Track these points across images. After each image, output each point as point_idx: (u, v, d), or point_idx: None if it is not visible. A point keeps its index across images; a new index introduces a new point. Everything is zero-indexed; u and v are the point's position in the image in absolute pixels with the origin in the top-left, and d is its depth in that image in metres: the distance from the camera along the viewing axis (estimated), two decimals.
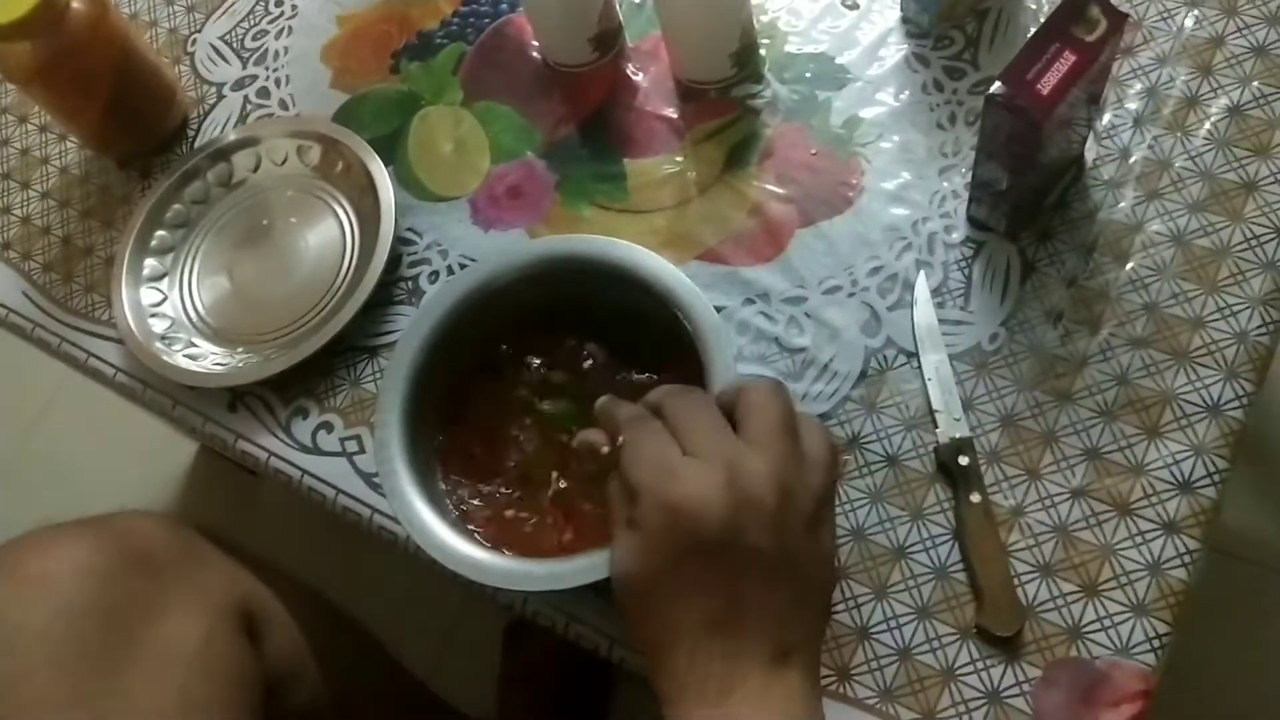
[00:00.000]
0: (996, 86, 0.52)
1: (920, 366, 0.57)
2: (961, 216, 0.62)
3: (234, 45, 0.80)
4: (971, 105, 0.65)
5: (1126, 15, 0.52)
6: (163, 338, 0.67)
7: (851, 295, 0.61)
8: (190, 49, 0.80)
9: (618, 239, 0.58)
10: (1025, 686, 0.49)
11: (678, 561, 0.40)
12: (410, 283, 0.67)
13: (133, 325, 0.67)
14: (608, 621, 0.54)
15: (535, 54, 0.74)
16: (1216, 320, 0.55)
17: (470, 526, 0.54)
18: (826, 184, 0.65)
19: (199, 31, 0.81)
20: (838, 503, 0.55)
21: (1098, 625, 0.49)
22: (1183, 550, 0.50)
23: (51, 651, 0.49)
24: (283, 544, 0.80)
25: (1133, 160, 0.61)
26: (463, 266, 0.67)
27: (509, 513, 0.55)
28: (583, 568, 0.48)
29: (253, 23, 0.81)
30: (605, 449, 0.45)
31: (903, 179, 0.64)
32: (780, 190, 0.65)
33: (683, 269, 0.61)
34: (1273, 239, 0.56)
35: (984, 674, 0.49)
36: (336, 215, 0.70)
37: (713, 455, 0.41)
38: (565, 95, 0.72)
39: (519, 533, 0.54)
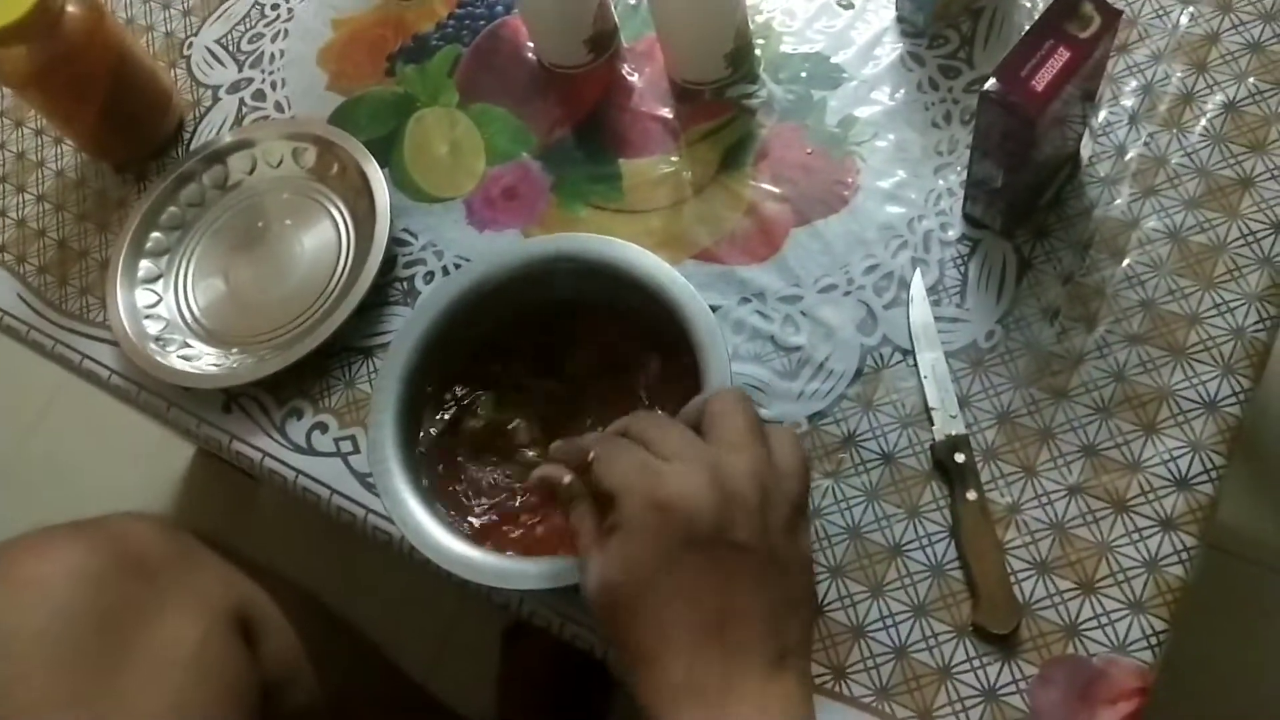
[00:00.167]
0: (991, 83, 0.52)
1: (916, 364, 0.57)
2: (957, 214, 0.61)
3: (230, 48, 0.80)
4: (967, 104, 0.65)
5: (1120, 11, 0.52)
6: (157, 339, 0.67)
7: (847, 294, 0.60)
8: (186, 52, 0.81)
9: (613, 238, 0.58)
10: (1022, 684, 0.48)
11: (670, 560, 0.39)
12: (405, 284, 0.67)
13: (127, 327, 0.67)
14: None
15: (530, 56, 0.74)
16: (1213, 316, 0.55)
17: (464, 526, 0.54)
18: (822, 183, 0.65)
19: (195, 35, 0.81)
20: (834, 501, 0.54)
21: (1095, 623, 0.49)
22: (1180, 547, 0.49)
23: (46, 655, 0.49)
24: (280, 547, 0.80)
25: (1128, 157, 0.61)
26: (458, 267, 0.67)
27: (503, 512, 0.55)
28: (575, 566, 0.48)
29: (248, 26, 0.81)
30: (566, 479, 0.44)
31: (898, 177, 0.64)
32: (775, 190, 0.65)
33: (678, 269, 0.61)
34: (1269, 235, 0.56)
35: (980, 672, 0.49)
36: (332, 217, 0.70)
37: (691, 455, 0.41)
38: (560, 97, 0.72)
39: (513, 532, 0.54)
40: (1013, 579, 0.50)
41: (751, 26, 0.70)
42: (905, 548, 0.53)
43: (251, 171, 0.73)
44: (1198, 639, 0.54)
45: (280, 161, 0.73)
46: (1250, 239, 0.56)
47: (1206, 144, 0.60)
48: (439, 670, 0.91)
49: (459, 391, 0.58)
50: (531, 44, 0.74)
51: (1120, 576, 0.50)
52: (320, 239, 0.69)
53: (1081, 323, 0.56)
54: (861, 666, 0.50)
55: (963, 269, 0.60)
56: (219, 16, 0.81)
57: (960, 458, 0.53)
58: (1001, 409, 0.55)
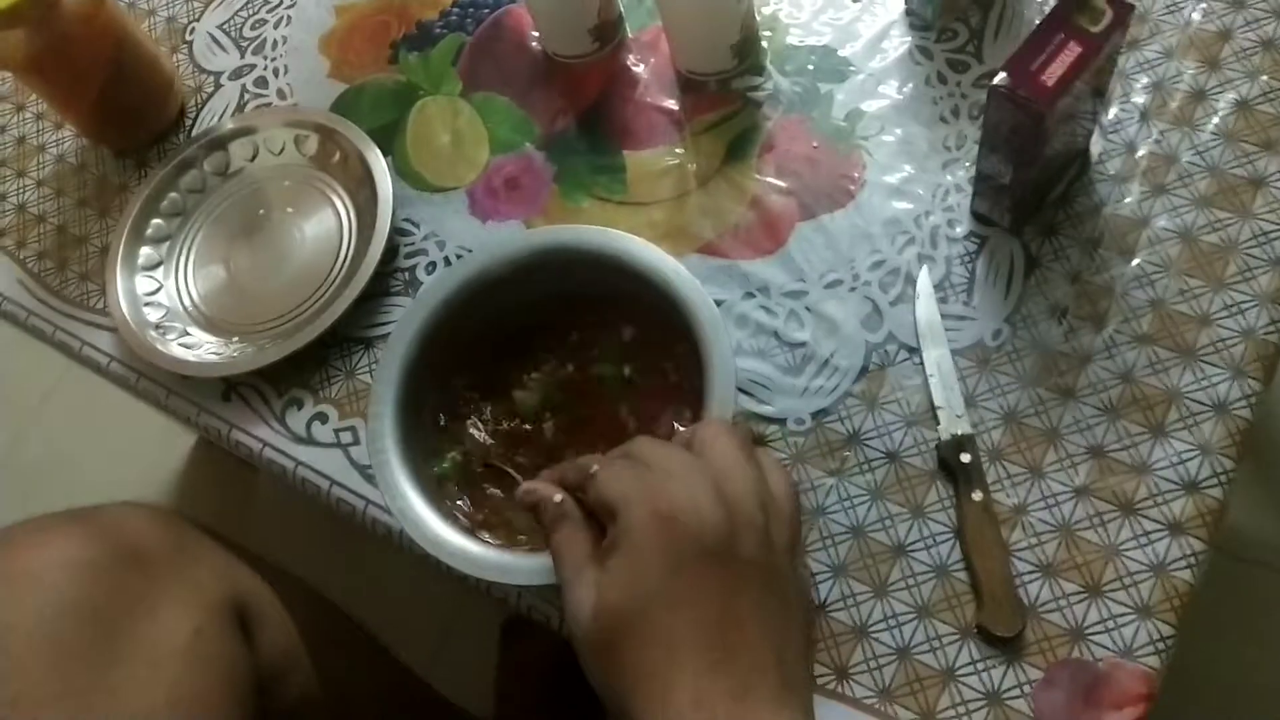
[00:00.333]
0: (999, 77, 0.52)
1: (922, 362, 0.56)
2: (965, 211, 0.61)
3: (232, 34, 0.79)
4: (975, 99, 0.64)
5: (1132, 6, 0.51)
6: (157, 326, 0.66)
7: (853, 290, 0.60)
8: (189, 38, 0.80)
9: (616, 230, 0.57)
10: (1026, 688, 0.48)
11: (676, 572, 0.38)
12: (407, 274, 0.66)
13: (127, 314, 0.66)
14: None
15: (535, 45, 0.73)
16: (1224, 317, 0.54)
17: (464, 519, 0.53)
18: (827, 177, 0.64)
19: (197, 20, 0.80)
20: (837, 499, 0.54)
21: (1100, 627, 0.48)
22: (1188, 551, 0.49)
23: (40, 648, 0.48)
24: (279, 538, 0.80)
25: (1139, 155, 0.60)
26: (460, 258, 0.66)
27: (503, 505, 0.54)
28: None
29: (251, 12, 0.80)
30: (558, 497, 0.43)
31: (905, 173, 0.63)
32: (781, 183, 0.64)
33: (681, 262, 0.61)
34: None
35: (984, 675, 0.48)
36: (333, 205, 0.69)
37: (693, 471, 0.40)
38: (564, 87, 0.72)
39: (513, 526, 0.53)
40: (1018, 581, 0.50)
41: (758, 18, 0.69)
42: (909, 548, 0.52)
43: (253, 159, 0.72)
44: (1203, 643, 0.54)
45: (282, 149, 0.72)
46: (1262, 239, 0.55)
47: (1218, 142, 0.59)
48: (438, 662, 0.91)
49: (459, 383, 0.57)
50: (536, 33, 0.73)
51: (1127, 580, 0.49)
52: (321, 228, 0.69)
53: (1090, 322, 0.56)
54: (864, 667, 0.50)
55: (970, 266, 0.59)
56: (221, 2, 0.81)
57: (966, 457, 0.53)
58: (1008, 409, 0.54)
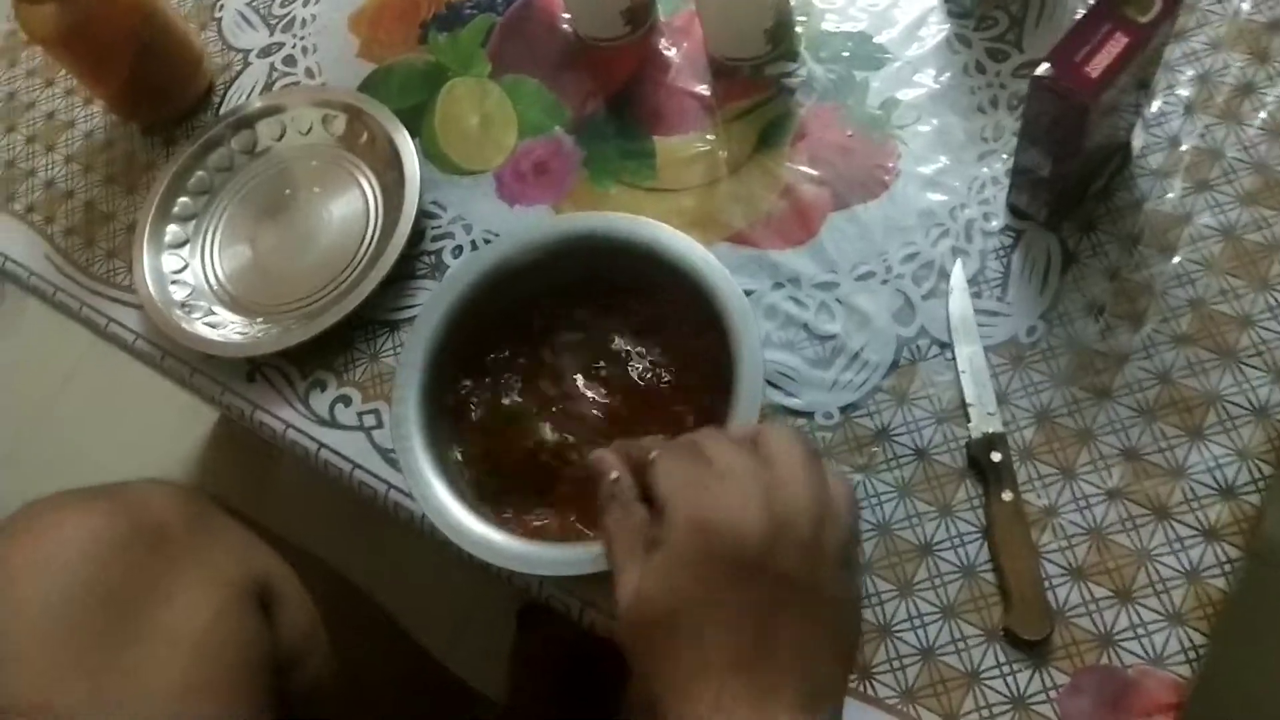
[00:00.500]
0: (1043, 68, 0.50)
1: (954, 358, 0.55)
2: (1001, 204, 0.59)
3: (261, 12, 0.79)
4: (1014, 89, 0.63)
5: None
6: (182, 305, 0.66)
7: (885, 282, 0.59)
8: (218, 14, 0.79)
9: (646, 218, 0.56)
10: (1052, 693, 0.47)
11: (710, 583, 0.38)
12: (433, 257, 0.66)
13: (153, 292, 0.66)
14: None
15: (565, 27, 0.72)
16: (1266, 319, 0.53)
17: (486, 506, 0.53)
18: (861, 167, 0.63)
19: None
20: (864, 496, 0.53)
21: (1130, 633, 0.47)
22: (1223, 559, 0.48)
23: (58, 626, 0.48)
24: (300, 518, 0.80)
25: (1182, 149, 0.58)
26: (487, 242, 0.65)
27: (527, 493, 0.54)
28: (600, 554, 0.47)
29: None
30: (615, 474, 0.43)
31: (940, 164, 0.62)
32: (813, 172, 0.63)
33: (710, 251, 0.60)
34: None
35: (1010, 678, 0.48)
36: (360, 187, 0.69)
37: (748, 476, 0.39)
38: (595, 70, 0.71)
39: (536, 513, 0.53)
40: (1047, 584, 0.49)
41: (793, 2, 0.68)
42: (936, 547, 0.51)
43: (280, 138, 0.72)
44: (1236, 653, 0.52)
45: (310, 129, 0.71)
46: None
47: (1265, 138, 0.57)
48: (455, 646, 0.91)
49: (484, 368, 0.57)
50: (567, 15, 0.72)
51: (1159, 586, 0.48)
52: (348, 208, 0.68)
53: (1127, 321, 0.55)
54: (887, 667, 0.49)
55: (1005, 261, 0.58)
56: None
57: (997, 456, 0.52)
58: (1041, 407, 0.53)
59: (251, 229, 0.69)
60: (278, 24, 0.78)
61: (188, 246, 0.69)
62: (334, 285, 0.65)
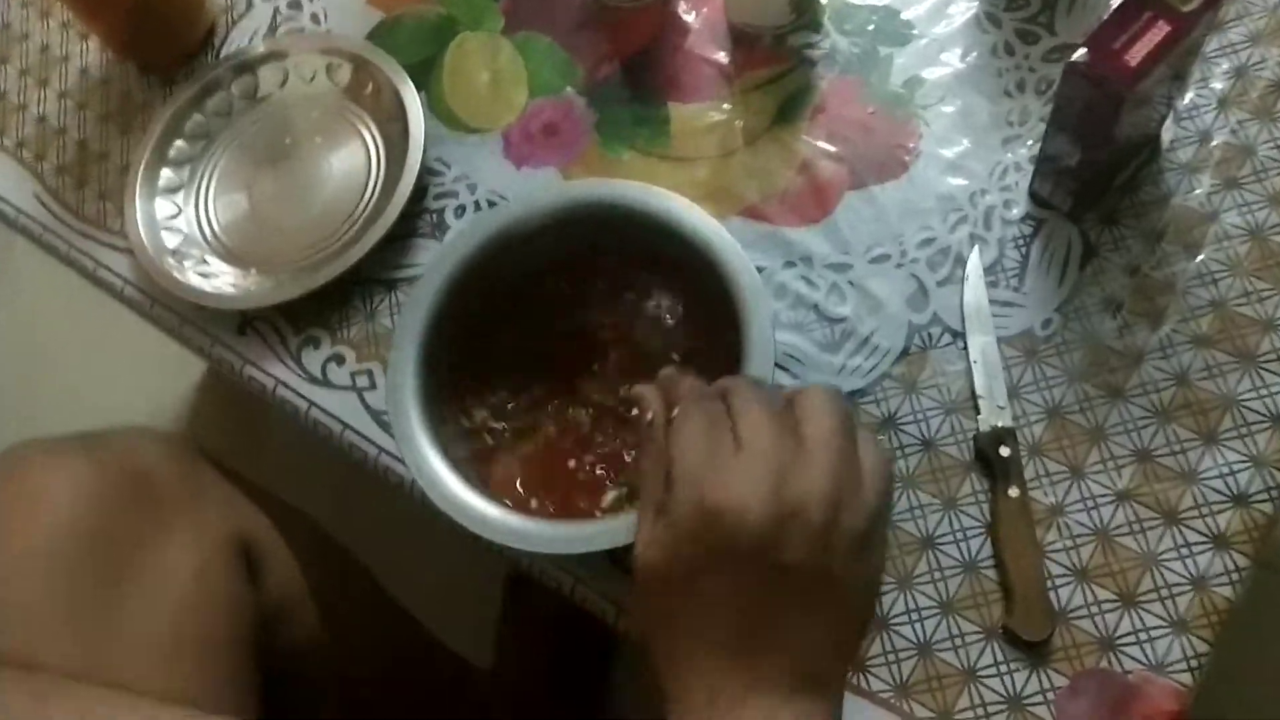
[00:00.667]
0: (1079, 53, 0.48)
1: (966, 348, 0.54)
2: (1023, 191, 0.58)
3: None
4: (1044, 73, 0.61)
5: None
6: (174, 253, 0.64)
7: (899, 266, 0.57)
8: None
9: (659, 189, 0.55)
10: (1050, 695, 0.46)
11: (705, 566, 0.37)
12: (435, 216, 0.64)
13: (145, 238, 0.64)
14: (616, 587, 0.51)
15: None
16: None
17: (479, 476, 0.52)
18: (881, 146, 0.61)
19: None
20: None
21: (1132, 638, 0.46)
22: (1231, 567, 0.47)
23: (46, 575, 0.48)
24: (289, 472, 0.78)
25: (1213, 145, 0.57)
26: (491, 203, 0.64)
27: (522, 464, 0.53)
28: (596, 532, 0.46)
29: None
30: (650, 414, 0.41)
31: (962, 147, 0.60)
32: (831, 148, 0.62)
33: (723, 223, 0.58)
34: None
35: (1007, 678, 0.47)
36: (363, 139, 0.67)
37: (767, 454, 0.37)
38: (611, 31, 0.68)
39: (530, 485, 0.52)
40: (1049, 584, 0.48)
41: None
42: (938, 540, 0.50)
43: (283, 85, 0.69)
44: (1239, 662, 0.52)
45: (313, 77, 0.69)
46: None
47: None
48: (441, 609, 0.90)
49: (486, 335, 0.55)
50: None
51: (1164, 592, 0.47)
52: (349, 161, 0.66)
53: (1146, 319, 0.53)
54: (882, 660, 0.48)
55: (1024, 250, 0.56)
56: None
57: (1005, 451, 0.50)
58: (1052, 403, 0.52)
59: (249, 178, 0.67)
60: None
61: (182, 192, 0.67)
62: (332, 240, 0.63)
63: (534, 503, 0.51)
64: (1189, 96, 0.58)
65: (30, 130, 0.72)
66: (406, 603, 0.76)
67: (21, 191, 0.70)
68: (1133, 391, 0.52)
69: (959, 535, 0.50)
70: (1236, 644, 0.47)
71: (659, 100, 0.65)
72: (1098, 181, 0.55)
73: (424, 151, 0.63)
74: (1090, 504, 0.50)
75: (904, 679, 0.48)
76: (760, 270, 0.58)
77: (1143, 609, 0.47)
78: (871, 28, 0.65)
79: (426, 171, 0.64)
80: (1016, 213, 0.57)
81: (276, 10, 0.73)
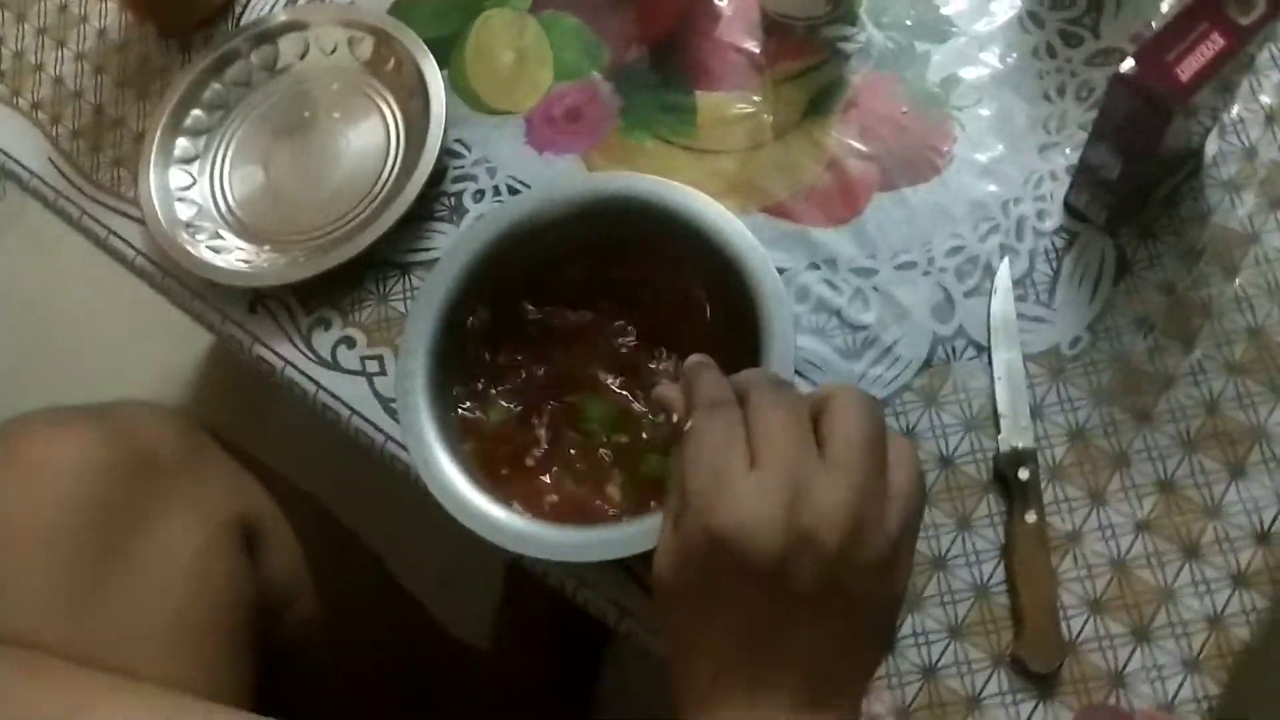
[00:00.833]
0: (1128, 64, 0.46)
1: (990, 363, 0.52)
2: (1058, 202, 0.56)
3: None
4: (1086, 78, 0.59)
5: None
6: (188, 225, 0.63)
7: (926, 274, 0.56)
8: None
9: (680, 184, 0.53)
10: None
11: (713, 587, 0.36)
12: (453, 199, 0.62)
13: (158, 208, 0.63)
14: (621, 591, 0.51)
15: None
16: None
17: (487, 469, 0.51)
18: (913, 146, 0.59)
19: None
20: None
21: (1144, 674, 0.45)
22: (1249, 607, 0.46)
23: (47, 549, 0.47)
24: (293, 448, 0.78)
25: (1258, 162, 0.55)
26: (510, 189, 0.62)
27: (530, 462, 0.52)
28: (603, 541, 0.45)
29: None
30: (676, 417, 0.40)
31: (997, 152, 0.58)
32: (862, 146, 0.60)
33: (746, 220, 0.57)
34: None
35: (1012, 708, 0.46)
36: (383, 115, 0.65)
37: (781, 471, 0.36)
38: (640, 14, 0.66)
39: (538, 485, 0.51)
40: (1062, 614, 0.47)
41: None
42: (950, 562, 0.49)
43: (303, 56, 0.68)
44: (1249, 700, 0.51)
45: (334, 49, 0.68)
46: None
47: None
48: (441, 591, 0.90)
49: (501, 329, 0.54)
50: None
51: (1179, 629, 0.46)
52: (368, 138, 0.65)
53: (1178, 341, 0.52)
54: (885, 683, 0.47)
55: (1055, 264, 0.54)
56: None
57: (1025, 474, 0.49)
58: (1076, 425, 0.51)
59: (265, 151, 0.66)
60: None
61: (197, 163, 0.66)
62: (347, 218, 0.62)
63: (543, 497, 0.50)
64: (1236, 110, 0.56)
65: (46, 92, 0.71)
66: (407, 582, 0.76)
67: (36, 154, 0.69)
68: (1160, 417, 0.50)
69: (972, 558, 0.49)
70: (1250, 686, 0.46)
71: (686, 88, 0.63)
72: (1136, 195, 0.53)
73: (444, 132, 0.61)
74: (1109, 533, 0.48)
75: (907, 703, 0.47)
76: (782, 271, 0.56)
77: (1156, 644, 0.46)
78: (909, 22, 0.63)
79: (446, 152, 0.63)
80: (1050, 224, 0.55)
81: None
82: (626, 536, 0.45)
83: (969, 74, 0.60)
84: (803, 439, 0.37)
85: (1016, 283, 0.54)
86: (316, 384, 0.59)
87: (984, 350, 0.53)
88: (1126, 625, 0.46)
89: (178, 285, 0.63)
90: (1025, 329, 0.53)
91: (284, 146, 0.66)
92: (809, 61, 0.63)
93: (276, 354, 0.60)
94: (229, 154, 0.66)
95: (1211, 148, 0.55)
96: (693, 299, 0.53)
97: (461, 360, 0.53)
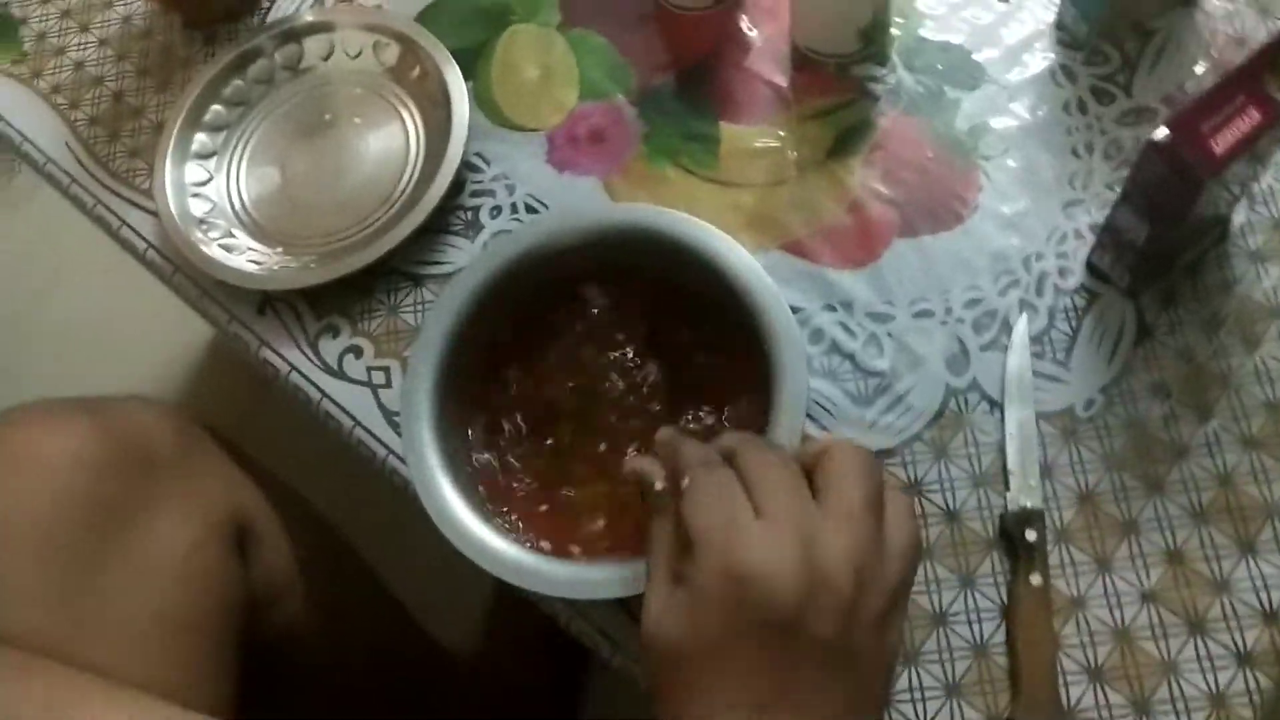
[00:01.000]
0: (1161, 132, 0.46)
1: (1003, 419, 0.52)
2: (1080, 260, 0.55)
3: None
4: (1115, 136, 0.59)
5: None
6: (201, 222, 0.62)
7: (943, 324, 0.55)
8: None
9: (701, 220, 0.52)
10: None
11: (735, 638, 0.35)
12: (470, 213, 0.62)
13: (172, 203, 0.62)
14: (614, 625, 0.50)
15: None
16: None
17: (489, 492, 0.50)
18: (937, 193, 0.59)
19: None
20: None
21: None
22: (1253, 688, 0.45)
23: (33, 541, 0.47)
24: (289, 446, 0.77)
25: None
26: (529, 207, 0.62)
27: (533, 482, 0.51)
28: (605, 579, 0.44)
29: None
30: (659, 484, 0.40)
31: (1022, 205, 0.58)
32: (885, 190, 0.59)
33: (763, 256, 0.57)
34: None
35: None
36: (403, 123, 0.65)
37: (788, 521, 0.36)
38: (670, 38, 0.66)
39: (540, 513, 0.50)
40: (1061, 680, 0.46)
41: (892, 2, 0.63)
42: (951, 618, 0.48)
43: (327, 58, 0.67)
44: None
45: (359, 53, 0.67)
46: None
47: None
48: (429, 595, 0.89)
49: (511, 355, 0.54)
50: None
51: (1180, 704, 0.45)
52: (387, 144, 0.64)
53: (1194, 411, 0.51)
54: None
55: (1074, 323, 0.54)
56: None
57: (1031, 535, 0.48)
58: (1086, 488, 0.50)
59: (283, 152, 0.65)
60: None
61: (214, 159, 0.65)
62: (362, 225, 0.62)
63: (545, 526, 0.49)
64: (1267, 180, 0.55)
65: (67, 76, 0.71)
66: (395, 588, 0.75)
67: (53, 138, 0.68)
68: (1172, 486, 0.50)
69: (973, 616, 0.48)
70: None
71: (711, 117, 0.63)
72: (1161, 260, 0.53)
73: (465, 145, 0.61)
74: (1114, 601, 0.48)
75: None
76: (797, 311, 0.56)
77: None
78: (941, 67, 0.62)
79: (465, 166, 0.62)
80: (1071, 282, 0.55)
81: None
82: (628, 575, 0.44)
83: (998, 124, 0.60)
84: (802, 492, 0.37)
85: (1034, 339, 0.54)
86: (321, 391, 0.58)
87: (997, 406, 0.52)
88: (1127, 697, 0.46)
89: (187, 282, 0.62)
90: (1040, 387, 0.53)
91: (302, 148, 0.65)
92: (837, 99, 0.62)
93: (282, 358, 0.59)
94: (247, 152, 0.65)
95: (1239, 217, 0.55)
96: (705, 333, 0.53)
97: (469, 384, 0.52)
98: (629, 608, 0.50)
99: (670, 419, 0.51)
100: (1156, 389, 0.52)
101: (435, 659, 0.82)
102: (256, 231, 0.63)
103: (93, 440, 0.50)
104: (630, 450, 0.51)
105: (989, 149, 0.59)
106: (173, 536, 0.51)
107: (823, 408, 0.54)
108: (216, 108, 0.66)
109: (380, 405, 0.57)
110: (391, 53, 0.66)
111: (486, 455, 0.51)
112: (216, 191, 0.64)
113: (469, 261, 0.56)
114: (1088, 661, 0.47)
